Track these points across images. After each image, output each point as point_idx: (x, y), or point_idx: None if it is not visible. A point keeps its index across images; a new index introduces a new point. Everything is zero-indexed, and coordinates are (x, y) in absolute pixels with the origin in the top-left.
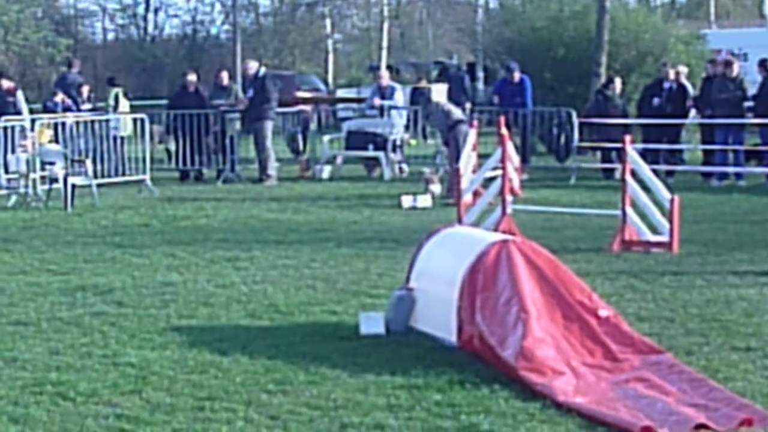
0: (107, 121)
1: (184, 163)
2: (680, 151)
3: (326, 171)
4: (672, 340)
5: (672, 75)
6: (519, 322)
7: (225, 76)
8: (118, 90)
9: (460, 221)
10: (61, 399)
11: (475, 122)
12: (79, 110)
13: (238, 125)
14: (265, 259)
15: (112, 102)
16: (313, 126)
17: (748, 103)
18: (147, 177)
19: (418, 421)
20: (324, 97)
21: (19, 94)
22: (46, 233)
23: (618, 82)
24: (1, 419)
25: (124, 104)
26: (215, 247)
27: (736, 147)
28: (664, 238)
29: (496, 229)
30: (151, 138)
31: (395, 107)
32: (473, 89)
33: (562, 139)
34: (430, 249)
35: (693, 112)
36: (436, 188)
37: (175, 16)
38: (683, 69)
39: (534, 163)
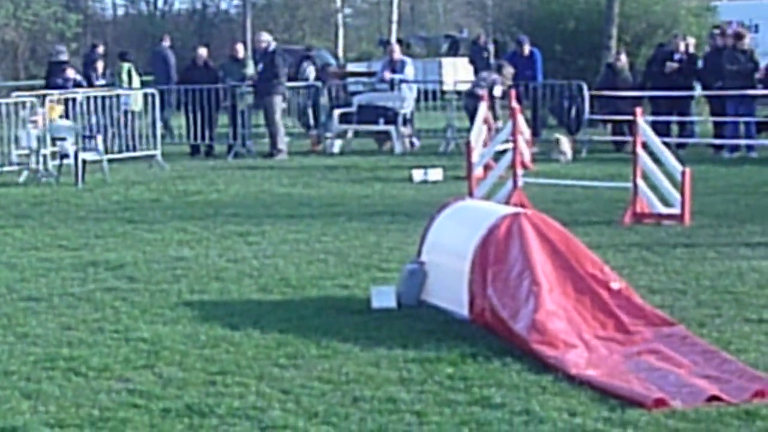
0: (117, 96)
1: (195, 138)
2: (691, 123)
3: (337, 145)
4: (684, 312)
5: (682, 47)
6: (531, 295)
7: (240, 48)
8: (130, 65)
9: (471, 194)
10: (73, 374)
11: (485, 95)
12: (93, 86)
13: (251, 99)
14: (276, 234)
15: (126, 77)
16: (323, 100)
17: (759, 75)
18: (158, 152)
19: (430, 395)
20: (334, 71)
21: None
22: (57, 209)
23: (623, 56)
24: (13, 395)
25: (135, 80)
26: (226, 221)
27: (747, 119)
28: (676, 211)
29: (507, 202)
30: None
31: (405, 81)
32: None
33: (573, 111)
34: (441, 222)
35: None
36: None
37: None
38: (691, 40)
39: (545, 136)
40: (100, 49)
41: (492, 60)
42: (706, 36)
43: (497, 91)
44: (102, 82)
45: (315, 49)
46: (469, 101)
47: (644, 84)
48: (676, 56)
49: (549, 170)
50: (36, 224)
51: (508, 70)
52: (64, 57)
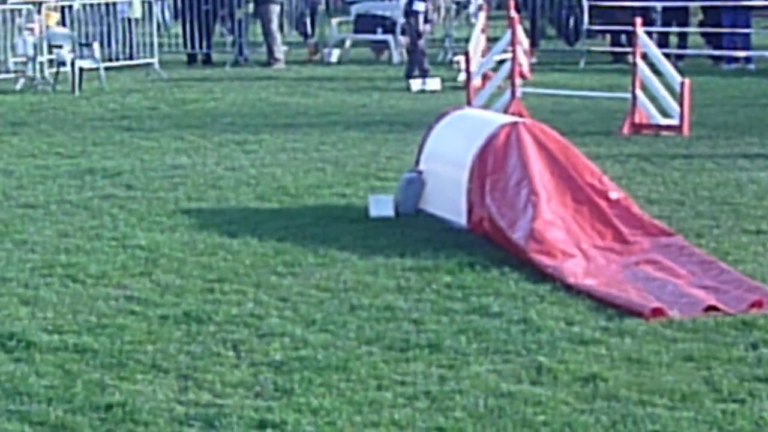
0: (114, 4)
1: (192, 46)
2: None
3: (335, 54)
4: (682, 222)
5: None
6: (529, 204)
7: None
8: None
9: (469, 104)
10: (71, 281)
11: (485, 5)
12: None
13: (251, 8)
14: (273, 142)
15: None
16: (321, 9)
17: None
18: (155, 60)
19: (428, 303)
20: None
21: None
22: (54, 117)
23: None
24: (11, 301)
25: None
26: (224, 130)
27: (744, 30)
28: (675, 122)
29: (505, 113)
30: None
31: None
32: None
33: (572, 22)
34: (439, 132)
35: None
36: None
37: None
38: None
39: (543, 46)
40: None
41: None
42: None
43: (420, 6)
44: None
45: None
46: (407, 20)
47: None
48: None
49: (547, 80)
50: (33, 132)
51: None
52: None
